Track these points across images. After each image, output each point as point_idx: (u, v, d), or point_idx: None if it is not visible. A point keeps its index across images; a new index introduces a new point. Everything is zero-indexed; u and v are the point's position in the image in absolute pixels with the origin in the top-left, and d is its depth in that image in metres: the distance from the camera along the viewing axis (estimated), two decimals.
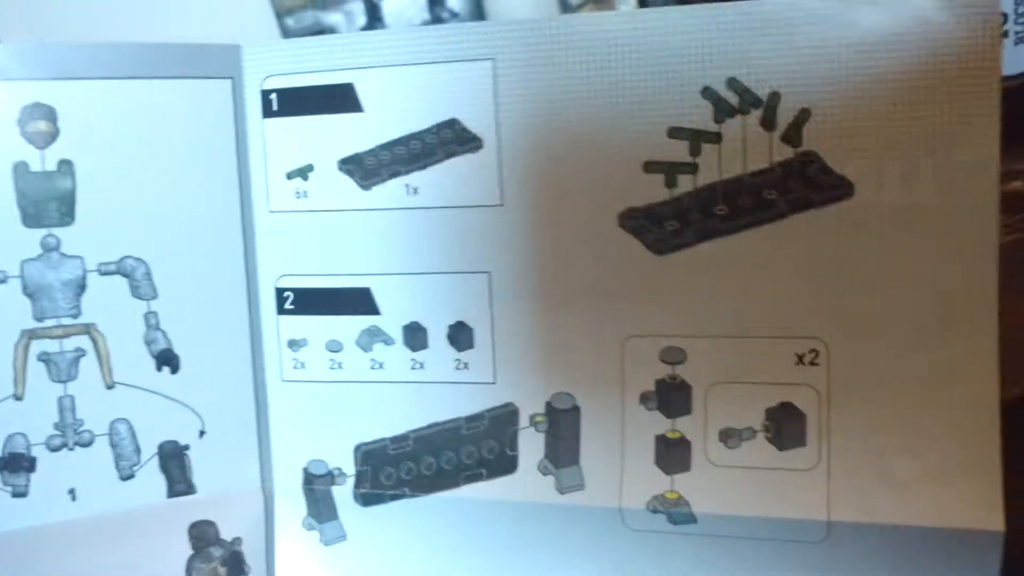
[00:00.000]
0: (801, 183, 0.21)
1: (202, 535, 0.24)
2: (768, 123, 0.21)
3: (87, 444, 0.23)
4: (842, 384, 0.21)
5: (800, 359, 0.21)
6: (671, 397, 0.22)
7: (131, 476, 0.24)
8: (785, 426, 0.21)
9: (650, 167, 0.22)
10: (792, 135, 0.21)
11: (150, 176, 0.23)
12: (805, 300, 0.21)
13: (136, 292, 0.23)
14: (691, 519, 0.22)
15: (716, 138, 0.21)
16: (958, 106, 0.20)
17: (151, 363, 0.24)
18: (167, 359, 0.24)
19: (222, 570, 0.24)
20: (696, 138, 0.21)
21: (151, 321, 0.24)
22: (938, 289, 0.20)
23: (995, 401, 0.20)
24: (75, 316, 0.23)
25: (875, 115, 0.20)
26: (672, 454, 0.22)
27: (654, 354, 0.22)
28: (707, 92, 0.21)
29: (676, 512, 0.22)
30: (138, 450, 0.24)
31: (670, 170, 0.22)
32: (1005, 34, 0.31)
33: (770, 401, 0.21)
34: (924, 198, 0.20)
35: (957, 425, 0.20)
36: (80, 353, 0.23)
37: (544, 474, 0.23)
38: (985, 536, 0.20)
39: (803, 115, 0.21)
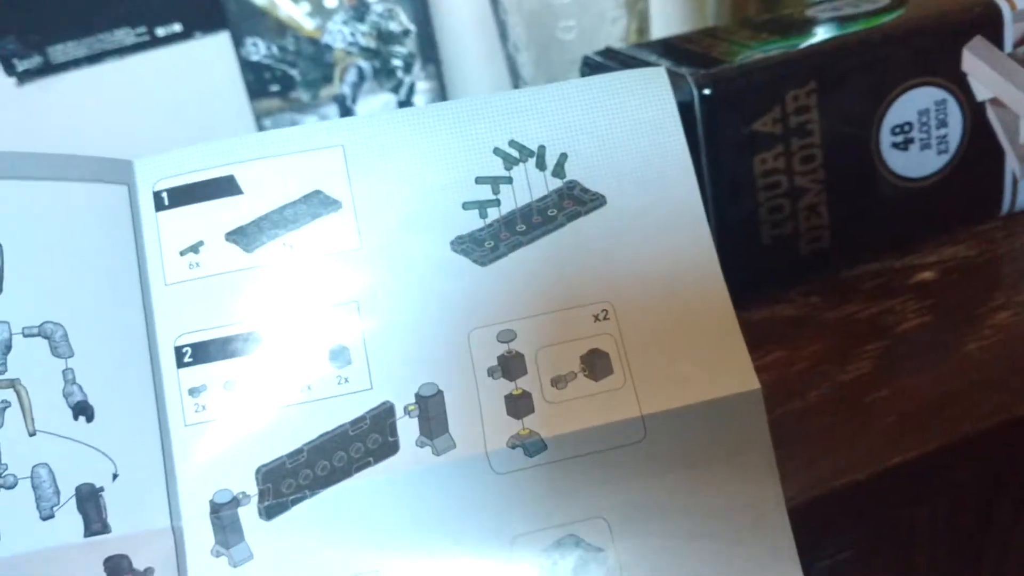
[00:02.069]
0: (571, 201, 0.30)
1: (116, 566, 0.26)
2: (541, 166, 0.31)
3: (11, 487, 0.26)
4: (629, 328, 0.29)
5: (596, 317, 0.29)
6: (510, 365, 0.29)
7: (51, 516, 0.26)
8: (596, 364, 0.29)
9: (467, 205, 0.30)
10: (558, 171, 0.31)
11: (61, 257, 0.28)
12: (592, 278, 0.30)
13: (55, 351, 0.27)
14: (542, 446, 0.28)
15: (508, 180, 0.30)
16: (651, 139, 0.31)
17: (69, 413, 0.27)
18: (83, 409, 0.27)
19: None
20: (495, 182, 0.30)
21: (68, 376, 0.27)
22: (676, 253, 0.30)
23: (725, 295, 0.29)
24: (1, 373, 0.26)
25: (608, 152, 0.31)
26: (519, 405, 0.29)
27: (492, 338, 0.29)
28: (497, 151, 0.31)
29: (530, 443, 0.28)
30: (57, 492, 0.26)
31: (481, 206, 0.30)
32: (910, 141, 0.43)
33: (582, 350, 0.29)
34: (648, 197, 0.30)
35: (704, 330, 0.29)
36: (5, 405, 0.26)
37: (422, 447, 0.28)
38: (747, 396, 0.28)
39: (563, 157, 0.31)
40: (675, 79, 0.37)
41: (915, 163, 0.44)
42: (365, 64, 0.56)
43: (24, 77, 0.57)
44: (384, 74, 0.56)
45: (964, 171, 0.44)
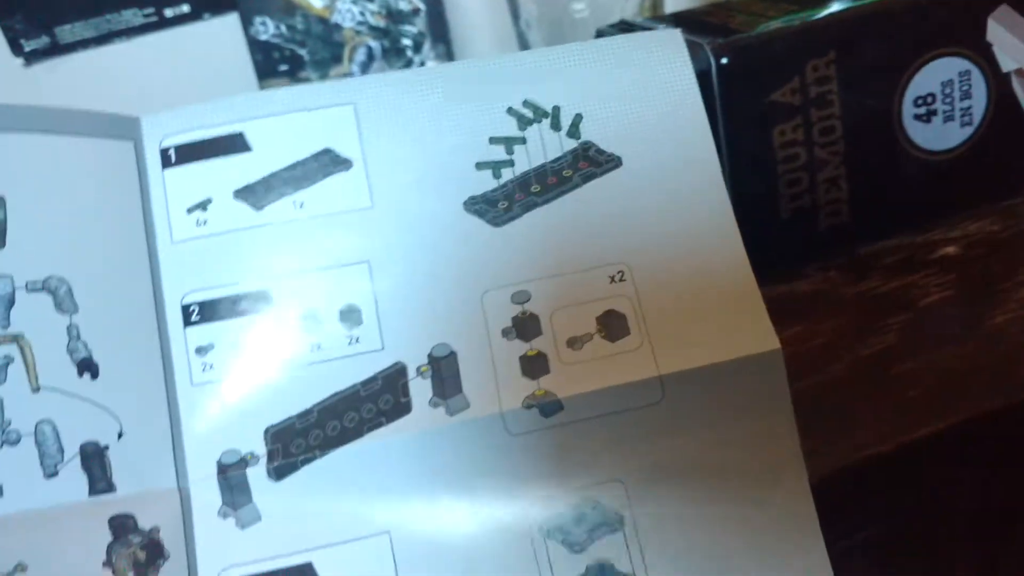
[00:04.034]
0: (586, 162, 0.30)
1: (121, 525, 0.26)
2: (556, 126, 0.30)
3: (14, 443, 0.25)
4: (645, 289, 0.28)
5: (612, 279, 0.29)
6: (525, 327, 0.28)
7: (55, 474, 0.26)
8: (613, 325, 0.28)
9: (480, 166, 0.30)
10: (573, 132, 0.30)
11: (65, 212, 0.27)
12: (608, 239, 0.29)
13: (59, 307, 0.27)
14: (559, 406, 0.27)
15: (523, 141, 0.30)
16: (667, 100, 0.30)
17: (73, 370, 0.26)
18: (87, 366, 0.27)
19: (141, 554, 0.26)
20: (509, 142, 0.30)
21: (73, 333, 0.27)
22: (693, 214, 0.29)
23: (743, 255, 0.28)
24: (4, 327, 0.26)
25: (624, 113, 0.30)
26: (534, 366, 0.28)
27: (506, 299, 0.29)
28: (510, 111, 0.30)
29: (546, 403, 0.27)
30: (61, 449, 0.26)
31: (495, 166, 0.30)
32: (933, 113, 0.42)
33: (598, 312, 0.28)
34: (665, 158, 0.29)
35: (722, 290, 0.28)
36: (8, 360, 0.26)
37: (435, 407, 0.28)
38: (767, 356, 0.27)
39: (578, 118, 0.30)
40: (692, 48, 0.37)
41: (938, 136, 0.43)
42: (374, 43, 0.56)
43: (31, 58, 0.56)
44: (393, 53, 0.55)
45: (988, 144, 0.43)
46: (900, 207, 0.44)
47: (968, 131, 0.43)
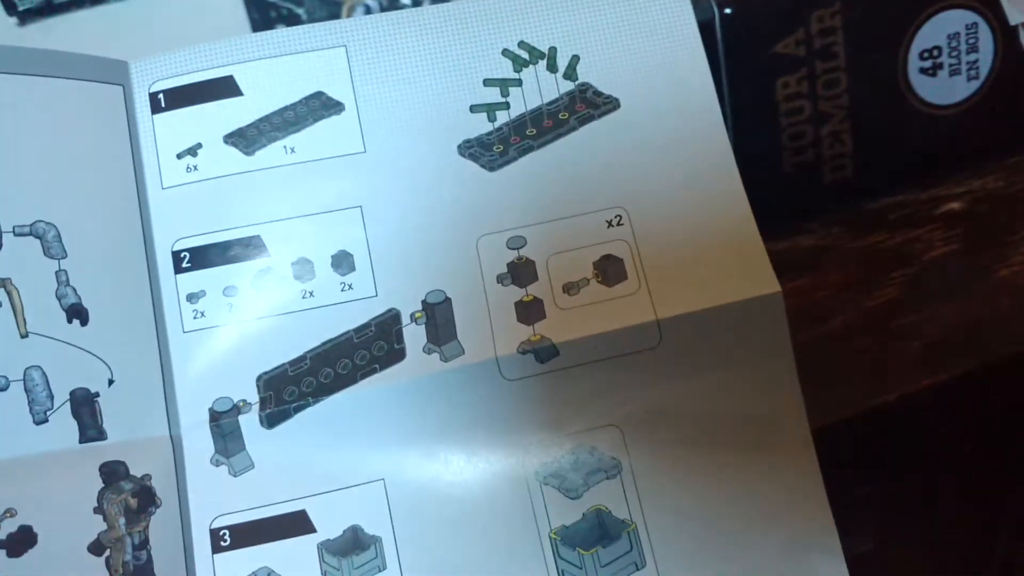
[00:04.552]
0: (583, 104, 0.29)
1: (112, 471, 0.26)
2: (552, 67, 0.29)
3: (3, 389, 0.25)
4: (644, 233, 0.28)
5: (610, 223, 0.28)
6: (520, 272, 0.28)
7: (44, 420, 0.25)
8: (610, 270, 0.27)
9: (475, 108, 0.29)
10: (570, 73, 0.29)
11: (53, 155, 0.27)
12: (605, 182, 0.28)
13: (48, 252, 0.26)
14: (554, 351, 0.27)
15: (518, 82, 0.29)
16: (667, 42, 0.29)
17: (62, 316, 0.26)
18: (77, 312, 0.26)
19: (133, 500, 0.25)
20: (504, 84, 0.29)
21: (62, 278, 0.26)
22: (693, 157, 0.28)
23: (743, 198, 0.27)
24: None
25: (622, 54, 0.29)
26: (529, 311, 0.27)
27: (502, 244, 0.28)
28: (505, 52, 0.29)
29: (541, 348, 0.27)
30: (51, 396, 0.25)
31: (489, 109, 0.29)
32: (939, 66, 0.41)
33: (595, 256, 0.28)
34: (664, 101, 0.29)
35: (722, 233, 0.27)
36: None
37: (429, 354, 0.27)
38: (768, 300, 0.27)
39: (574, 59, 0.29)
40: None
41: (944, 89, 0.42)
42: (372, 1, 0.55)
43: (25, 17, 0.56)
44: (392, 11, 0.55)
45: (995, 98, 0.42)
46: (905, 162, 0.43)
47: (974, 85, 0.42)
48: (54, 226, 0.26)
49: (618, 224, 0.28)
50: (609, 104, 0.29)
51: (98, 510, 0.25)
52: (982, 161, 0.44)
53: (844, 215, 0.42)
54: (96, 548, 0.25)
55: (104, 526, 0.25)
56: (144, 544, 0.25)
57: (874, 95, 0.41)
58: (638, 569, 0.26)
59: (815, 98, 0.40)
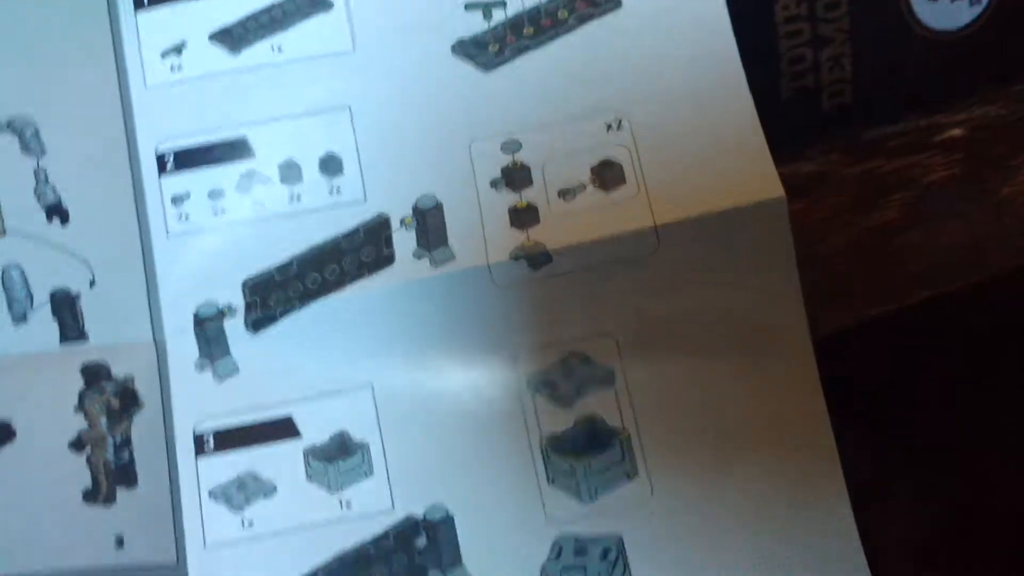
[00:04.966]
0: (583, 3, 0.28)
1: (94, 372, 0.25)
2: None
3: None
4: (644, 137, 0.27)
5: (609, 127, 0.27)
6: (515, 177, 0.27)
7: (23, 319, 0.25)
8: (607, 175, 0.27)
9: (469, 6, 0.28)
10: None
11: (30, 50, 0.26)
12: (605, 85, 0.27)
13: (25, 148, 0.25)
14: (547, 258, 0.26)
15: None
16: None
17: (42, 215, 0.25)
18: (57, 211, 0.25)
19: (115, 401, 0.25)
20: None
21: (40, 176, 0.25)
22: (695, 59, 0.27)
23: (748, 100, 0.27)
24: None
25: None
26: (523, 217, 0.27)
27: (496, 148, 0.27)
28: None
29: (534, 254, 0.26)
30: (30, 296, 0.25)
31: (485, 7, 0.28)
32: None
33: (592, 161, 0.27)
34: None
35: (724, 137, 0.27)
36: None
37: (419, 258, 0.26)
38: (771, 204, 0.26)
39: None
40: None
41: (946, 14, 0.41)
42: None
43: None
44: None
45: (999, 24, 0.42)
46: (905, 88, 0.42)
47: (977, 10, 0.41)
48: (32, 123, 0.26)
49: (617, 128, 0.27)
50: (609, 2, 0.28)
51: (79, 409, 0.24)
52: (984, 88, 0.44)
53: (842, 141, 0.41)
54: (77, 445, 0.24)
55: (85, 424, 0.24)
56: (126, 444, 0.25)
57: (875, 19, 0.40)
58: (629, 479, 0.26)
59: (815, 20, 0.39)
